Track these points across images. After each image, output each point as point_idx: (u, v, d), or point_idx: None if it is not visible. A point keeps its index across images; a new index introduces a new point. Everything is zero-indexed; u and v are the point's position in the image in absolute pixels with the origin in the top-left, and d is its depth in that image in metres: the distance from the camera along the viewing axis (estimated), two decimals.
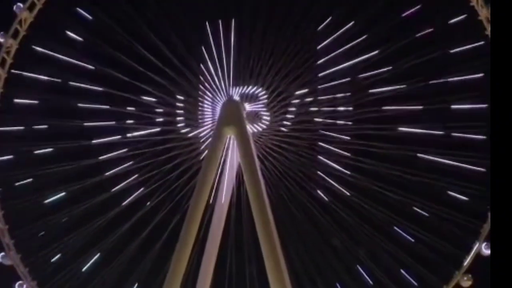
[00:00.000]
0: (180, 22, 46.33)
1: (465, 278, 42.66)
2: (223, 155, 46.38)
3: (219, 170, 46.06)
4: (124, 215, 46.80)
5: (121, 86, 47.76)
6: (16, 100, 47.49)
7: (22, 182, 46.68)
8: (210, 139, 46.37)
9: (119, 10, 47.20)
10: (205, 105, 47.79)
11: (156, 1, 46.93)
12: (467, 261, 42.87)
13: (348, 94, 46.18)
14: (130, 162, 46.94)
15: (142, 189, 46.89)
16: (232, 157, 46.88)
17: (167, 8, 46.55)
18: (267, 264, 41.54)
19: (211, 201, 45.41)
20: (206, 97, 47.73)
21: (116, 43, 47.34)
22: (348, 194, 44.91)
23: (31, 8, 47.35)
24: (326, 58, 46.50)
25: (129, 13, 47.14)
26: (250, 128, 46.76)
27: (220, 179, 46.16)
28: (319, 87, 46.75)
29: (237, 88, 47.42)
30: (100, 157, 46.91)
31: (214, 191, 45.73)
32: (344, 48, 46.23)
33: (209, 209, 45.36)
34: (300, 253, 45.12)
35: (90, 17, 47.75)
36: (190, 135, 47.48)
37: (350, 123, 46.08)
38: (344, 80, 46.31)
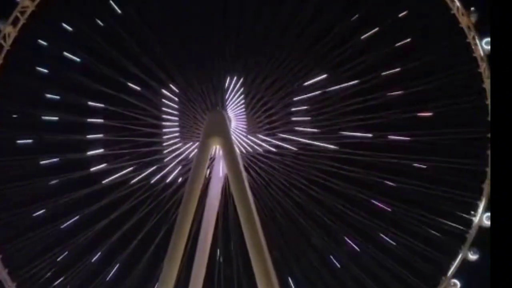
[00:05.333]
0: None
1: (452, 284, 43.26)
2: (210, 165, 46.57)
3: (206, 180, 46.22)
4: (111, 227, 46.88)
5: (106, 99, 47.88)
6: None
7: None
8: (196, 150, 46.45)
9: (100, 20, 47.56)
10: (191, 116, 47.93)
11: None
12: (454, 266, 43.50)
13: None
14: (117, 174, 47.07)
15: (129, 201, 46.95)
16: (218, 168, 47.03)
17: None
18: (256, 274, 41.83)
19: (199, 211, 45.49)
20: (191, 107, 47.87)
21: (97, 54, 47.51)
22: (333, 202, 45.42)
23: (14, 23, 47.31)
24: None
25: (112, 24, 47.42)
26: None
27: (207, 189, 46.22)
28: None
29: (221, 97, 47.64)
30: (91, 169, 47.06)
31: (201, 201, 45.77)
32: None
33: (197, 220, 45.46)
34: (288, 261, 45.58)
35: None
36: (176, 146, 47.62)
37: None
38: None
